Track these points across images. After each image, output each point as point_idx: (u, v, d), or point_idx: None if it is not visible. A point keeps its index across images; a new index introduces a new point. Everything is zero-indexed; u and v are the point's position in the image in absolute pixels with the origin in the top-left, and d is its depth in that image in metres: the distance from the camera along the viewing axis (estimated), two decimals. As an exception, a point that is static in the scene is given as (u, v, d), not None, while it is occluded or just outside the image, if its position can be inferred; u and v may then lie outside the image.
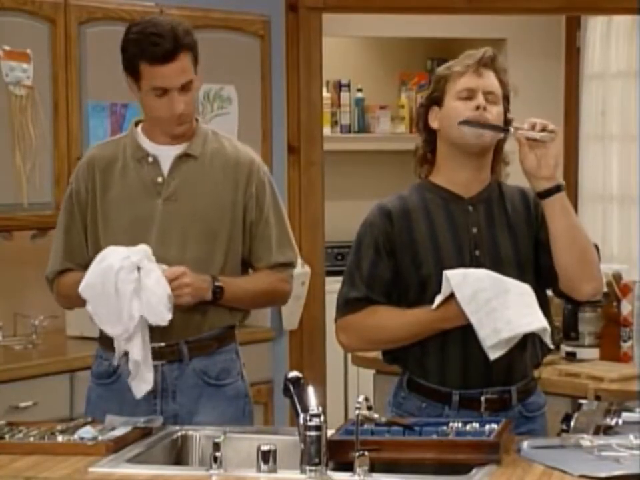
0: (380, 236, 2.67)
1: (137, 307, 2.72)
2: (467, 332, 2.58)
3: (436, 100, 2.70)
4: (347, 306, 2.69)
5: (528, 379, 2.72)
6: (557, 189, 2.61)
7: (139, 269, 2.73)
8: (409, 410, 2.69)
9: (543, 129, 2.62)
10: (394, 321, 2.65)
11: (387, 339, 2.69)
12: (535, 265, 2.69)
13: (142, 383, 2.78)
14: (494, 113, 2.65)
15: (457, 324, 2.58)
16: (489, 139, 2.66)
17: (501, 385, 2.66)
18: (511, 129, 2.61)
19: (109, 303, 2.73)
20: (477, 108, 2.64)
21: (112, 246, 2.79)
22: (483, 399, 2.64)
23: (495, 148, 2.72)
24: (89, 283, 2.76)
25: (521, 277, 2.63)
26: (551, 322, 2.66)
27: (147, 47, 2.77)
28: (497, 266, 2.63)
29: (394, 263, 2.66)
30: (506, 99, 2.72)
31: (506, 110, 2.70)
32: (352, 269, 2.70)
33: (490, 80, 2.68)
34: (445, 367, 2.65)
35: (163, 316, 2.73)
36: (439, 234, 2.66)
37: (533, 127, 2.61)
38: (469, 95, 2.66)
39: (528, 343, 2.66)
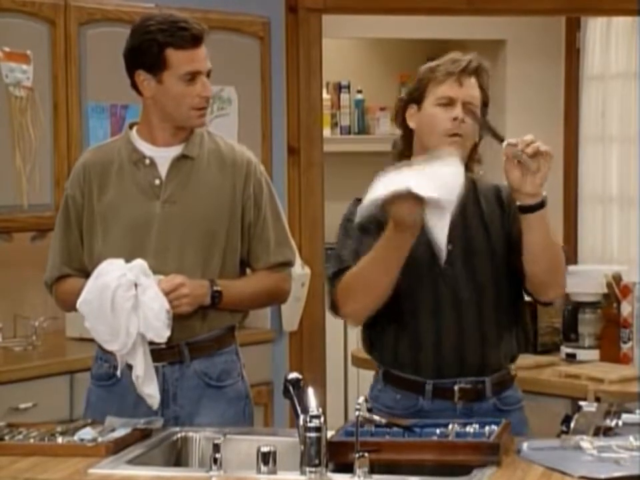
0: (362, 219, 2.60)
1: (134, 323, 2.73)
2: (440, 322, 2.65)
3: (415, 98, 2.74)
4: (335, 277, 2.66)
5: (503, 371, 2.74)
6: (539, 205, 2.59)
7: (135, 285, 2.73)
8: (385, 403, 2.72)
9: (535, 154, 2.54)
10: (366, 261, 2.60)
11: (368, 283, 2.61)
12: (507, 260, 2.71)
13: (148, 398, 2.80)
14: (469, 123, 2.68)
15: (408, 224, 2.51)
16: (467, 150, 2.69)
17: (475, 375, 2.69)
18: (504, 144, 2.59)
19: (106, 321, 2.74)
20: (455, 119, 2.66)
21: (109, 259, 2.79)
22: (456, 388, 2.68)
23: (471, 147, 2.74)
24: (86, 299, 2.77)
25: (495, 270, 2.68)
26: (525, 323, 2.75)
27: (175, 32, 2.79)
28: (470, 258, 2.68)
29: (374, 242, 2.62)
30: (485, 104, 2.74)
31: (483, 114, 2.72)
32: (338, 248, 2.71)
33: (470, 89, 2.71)
34: (418, 356, 2.68)
35: (161, 332, 2.74)
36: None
37: (527, 145, 2.55)
38: (448, 102, 2.69)
39: (504, 336, 2.69)
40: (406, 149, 2.78)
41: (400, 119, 2.79)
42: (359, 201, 2.63)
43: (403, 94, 2.84)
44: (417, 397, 2.70)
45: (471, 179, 2.75)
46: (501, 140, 2.61)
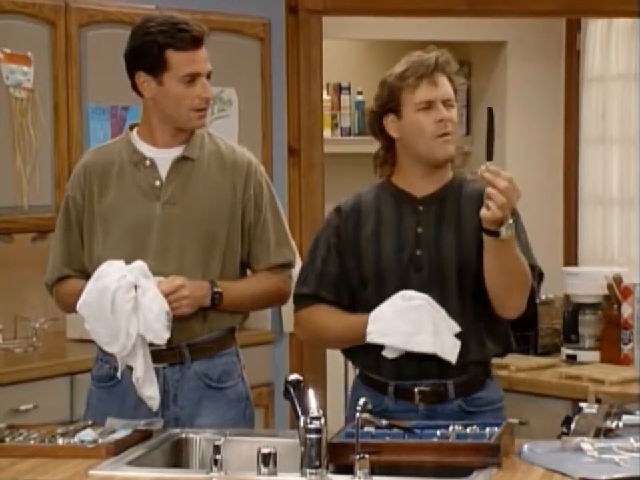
0: (332, 234, 2.78)
1: (134, 325, 2.73)
2: None
3: (392, 108, 2.74)
4: (298, 302, 2.82)
5: (469, 374, 2.72)
6: (495, 233, 2.58)
7: (135, 287, 2.73)
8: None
9: (503, 190, 2.54)
10: (333, 324, 2.77)
11: (329, 339, 2.85)
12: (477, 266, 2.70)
13: (149, 399, 2.80)
14: (453, 117, 2.71)
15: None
16: (454, 152, 2.72)
17: (436, 378, 2.70)
18: (483, 167, 2.58)
19: (106, 323, 2.74)
20: (441, 121, 2.68)
21: (109, 260, 2.79)
22: (416, 390, 2.70)
23: None
24: (86, 301, 2.77)
25: (460, 278, 2.70)
26: (499, 328, 2.72)
27: (176, 33, 2.80)
28: (436, 266, 2.70)
29: (341, 260, 2.76)
30: (454, 91, 2.76)
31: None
32: (306, 265, 2.82)
33: (445, 87, 2.73)
34: (380, 358, 2.71)
35: (160, 334, 2.75)
36: (384, 233, 2.73)
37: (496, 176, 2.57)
38: (428, 106, 2.70)
39: (471, 341, 2.69)
40: (389, 157, 2.79)
41: (376, 129, 2.78)
42: (338, 211, 2.73)
43: (372, 105, 2.82)
44: (382, 396, 2.73)
45: (458, 180, 2.77)
46: (489, 157, 2.64)
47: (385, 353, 2.68)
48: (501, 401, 2.79)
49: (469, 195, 2.74)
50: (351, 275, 2.75)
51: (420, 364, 2.69)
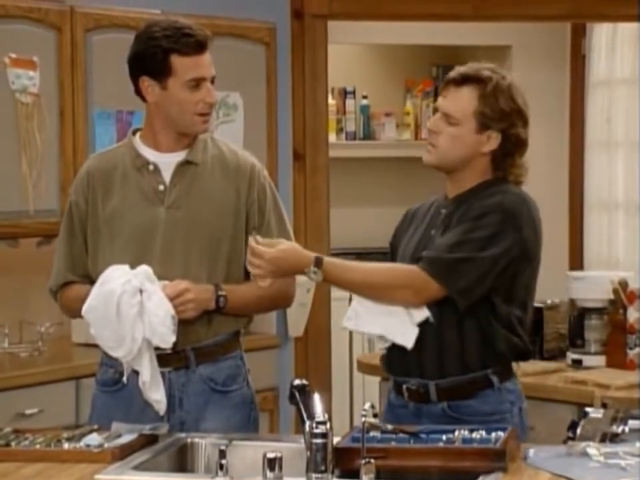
0: (392, 237, 2.92)
1: (140, 329, 2.74)
2: None
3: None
4: None
5: (455, 378, 2.70)
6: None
7: (141, 291, 2.74)
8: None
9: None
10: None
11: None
12: None
13: (155, 403, 2.80)
14: (443, 131, 2.79)
15: None
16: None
17: (418, 377, 2.72)
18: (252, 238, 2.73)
19: (112, 327, 2.74)
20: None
21: (114, 265, 2.79)
22: (404, 387, 2.75)
23: (495, 155, 2.74)
24: (91, 305, 2.77)
25: None
26: (493, 333, 2.69)
27: (180, 38, 2.80)
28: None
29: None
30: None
31: None
32: None
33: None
34: (385, 353, 2.80)
35: (166, 338, 2.75)
36: (415, 234, 2.81)
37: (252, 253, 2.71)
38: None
39: (460, 345, 2.68)
40: None
41: None
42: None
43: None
44: (390, 389, 2.82)
45: (488, 185, 2.75)
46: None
47: (378, 347, 2.79)
48: (499, 413, 2.70)
49: (478, 202, 2.71)
50: None
51: (403, 361, 2.72)
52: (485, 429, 2.47)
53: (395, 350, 2.73)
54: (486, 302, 2.68)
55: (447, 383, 2.71)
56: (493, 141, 2.71)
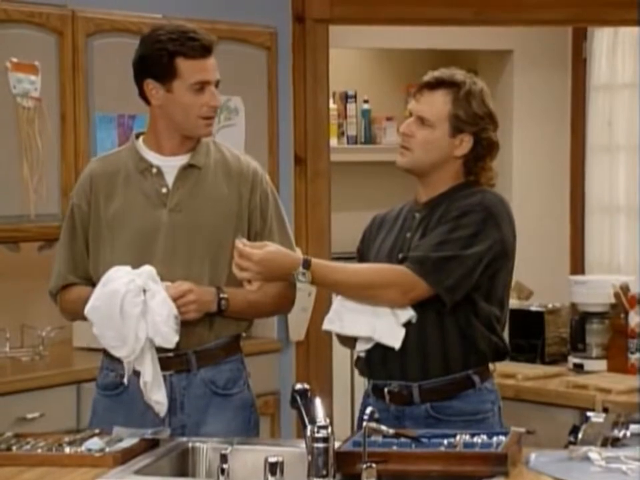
0: (360, 242, 2.94)
1: (143, 329, 2.74)
2: None
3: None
4: None
5: (438, 379, 2.71)
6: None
7: (144, 291, 2.74)
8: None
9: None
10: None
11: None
12: None
13: (156, 404, 2.80)
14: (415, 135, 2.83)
15: None
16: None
17: (400, 379, 2.72)
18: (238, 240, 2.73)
19: (115, 326, 2.75)
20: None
21: (116, 266, 2.79)
22: (386, 390, 2.74)
23: (467, 159, 2.76)
24: (95, 305, 2.77)
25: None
26: (476, 334, 2.70)
27: (185, 41, 2.81)
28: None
29: None
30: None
31: None
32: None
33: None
34: (363, 356, 2.79)
35: (169, 337, 2.75)
36: (387, 238, 2.84)
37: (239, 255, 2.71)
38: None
39: (441, 346, 2.69)
40: None
41: None
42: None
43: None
44: (367, 393, 2.81)
45: (461, 187, 2.78)
46: None
47: (356, 350, 2.75)
48: (481, 413, 2.73)
49: (455, 204, 2.74)
50: None
51: (384, 364, 2.72)
52: (486, 434, 2.47)
53: (375, 352, 2.73)
54: (467, 301, 2.70)
55: (430, 384, 2.71)
56: (465, 144, 2.76)
